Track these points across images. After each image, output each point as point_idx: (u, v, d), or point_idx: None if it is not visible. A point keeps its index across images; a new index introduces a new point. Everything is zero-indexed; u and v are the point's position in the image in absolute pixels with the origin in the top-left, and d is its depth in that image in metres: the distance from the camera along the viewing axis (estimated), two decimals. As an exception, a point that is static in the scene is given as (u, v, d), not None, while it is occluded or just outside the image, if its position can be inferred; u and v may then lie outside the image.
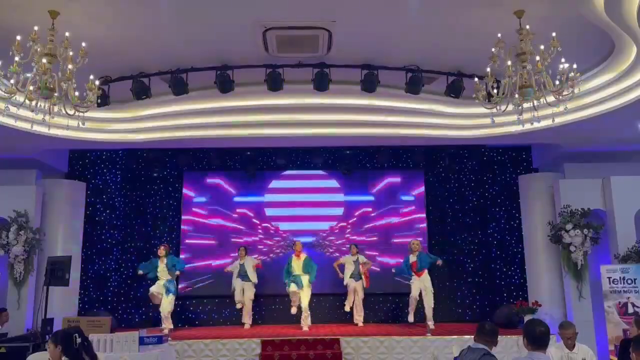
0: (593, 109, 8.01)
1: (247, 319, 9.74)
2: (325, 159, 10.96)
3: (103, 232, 10.65)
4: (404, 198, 11.02)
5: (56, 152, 10.14)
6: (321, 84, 7.32)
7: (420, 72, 7.35)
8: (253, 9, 6.01)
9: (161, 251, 9.35)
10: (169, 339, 7.69)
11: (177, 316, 10.06)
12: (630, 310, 8.31)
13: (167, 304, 9.09)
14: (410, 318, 9.42)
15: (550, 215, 9.65)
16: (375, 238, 10.83)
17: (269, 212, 10.94)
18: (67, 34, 5.29)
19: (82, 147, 9.98)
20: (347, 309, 9.88)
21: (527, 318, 8.56)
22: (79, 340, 4.07)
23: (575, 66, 5.49)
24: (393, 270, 10.04)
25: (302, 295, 9.25)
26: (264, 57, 7.20)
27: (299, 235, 10.47)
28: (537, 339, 3.64)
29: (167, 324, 9.13)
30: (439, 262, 9.32)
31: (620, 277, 8.53)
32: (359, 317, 9.78)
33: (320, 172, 11.07)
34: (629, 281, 8.48)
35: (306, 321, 9.25)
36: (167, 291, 9.10)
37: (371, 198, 11.01)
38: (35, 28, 5.15)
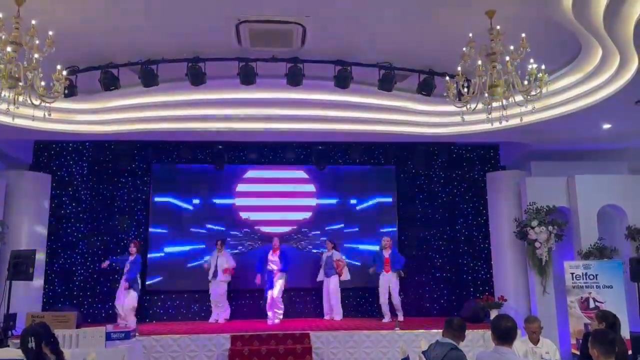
0: (560, 109, 8.22)
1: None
2: (298, 154, 10.95)
3: (69, 226, 10.39)
4: (376, 193, 11.09)
5: (20, 142, 9.86)
6: (294, 79, 7.30)
7: (392, 70, 7.40)
8: (226, 1, 5.94)
9: (133, 248, 9.25)
10: (137, 334, 7.58)
11: (144, 311, 9.97)
12: (592, 305, 8.57)
13: (131, 300, 8.98)
14: (387, 318, 9.49)
15: (517, 212, 9.86)
16: (347, 231, 10.87)
17: (240, 206, 10.84)
18: (33, 21, 5.12)
19: (48, 138, 9.75)
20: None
21: (493, 312, 8.76)
22: (32, 344, 3.97)
23: (543, 67, 5.61)
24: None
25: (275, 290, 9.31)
26: (237, 51, 7.14)
27: (270, 230, 10.48)
28: (504, 333, 3.74)
29: (132, 319, 8.98)
30: (402, 273, 9.63)
31: (582, 273, 8.79)
32: (334, 314, 9.76)
33: (292, 167, 11.04)
34: (591, 277, 8.74)
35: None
36: (131, 287, 9.01)
37: (343, 193, 11.03)
38: (0, 15, 4.98)
